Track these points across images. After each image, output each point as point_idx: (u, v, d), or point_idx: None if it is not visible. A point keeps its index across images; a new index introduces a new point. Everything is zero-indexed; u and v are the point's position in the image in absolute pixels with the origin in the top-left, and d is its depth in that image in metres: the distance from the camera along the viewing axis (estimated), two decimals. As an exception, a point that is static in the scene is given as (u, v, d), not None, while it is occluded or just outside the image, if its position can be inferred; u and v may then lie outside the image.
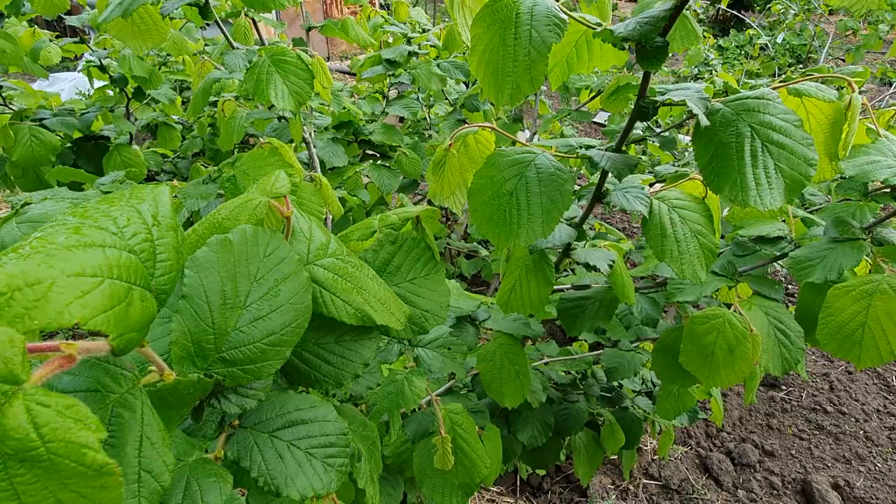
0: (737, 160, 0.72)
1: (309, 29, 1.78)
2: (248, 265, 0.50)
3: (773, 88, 0.77)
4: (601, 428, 1.72)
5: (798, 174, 0.73)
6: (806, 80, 0.87)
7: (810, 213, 1.25)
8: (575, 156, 0.83)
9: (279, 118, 1.48)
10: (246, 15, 1.41)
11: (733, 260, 1.09)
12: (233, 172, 1.08)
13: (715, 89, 1.76)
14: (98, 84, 2.58)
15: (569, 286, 1.24)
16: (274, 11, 1.33)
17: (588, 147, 0.85)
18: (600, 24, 0.70)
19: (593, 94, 1.88)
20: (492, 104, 2.26)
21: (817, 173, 0.77)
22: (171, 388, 0.42)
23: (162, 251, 0.38)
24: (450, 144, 0.85)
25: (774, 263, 1.13)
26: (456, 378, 1.33)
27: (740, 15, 7.02)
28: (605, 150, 0.85)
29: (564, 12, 0.65)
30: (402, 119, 2.97)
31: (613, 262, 1.04)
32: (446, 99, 2.55)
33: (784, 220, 1.16)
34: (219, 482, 0.48)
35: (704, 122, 0.71)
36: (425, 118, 2.72)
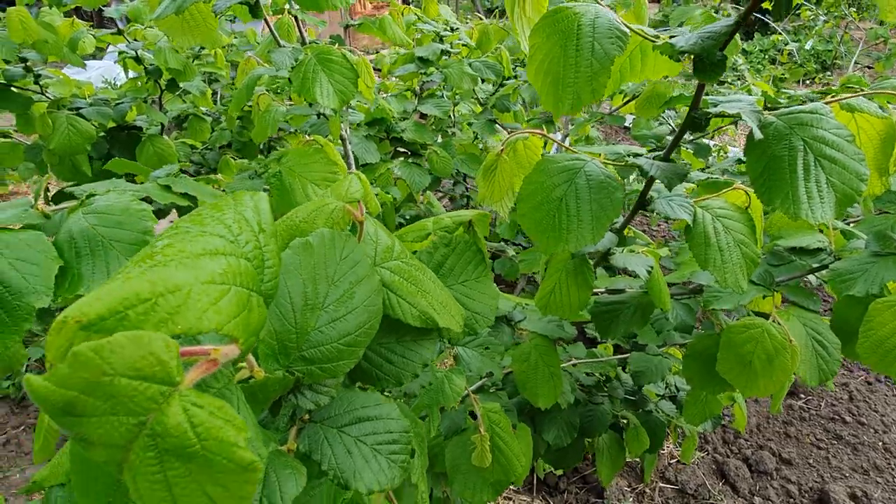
0: (789, 173, 0.73)
1: (347, 27, 1.80)
2: (327, 268, 0.52)
3: (826, 103, 0.78)
4: (624, 430, 1.74)
5: (849, 189, 0.74)
6: (853, 95, 0.87)
7: (847, 224, 1.25)
8: (624, 164, 0.84)
9: (318, 115, 1.50)
10: (289, 13, 1.43)
11: (771, 270, 1.09)
12: (279, 168, 1.10)
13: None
14: (132, 74, 2.63)
15: (603, 290, 1.25)
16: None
17: (636, 155, 0.86)
18: (658, 37, 0.71)
19: (627, 98, 1.89)
20: (521, 103, 2.27)
21: (867, 188, 0.78)
22: (261, 384, 0.44)
23: (268, 258, 0.40)
24: (501, 150, 0.86)
25: (809, 275, 1.14)
26: (489, 377, 1.35)
27: (764, 18, 6.95)
28: (653, 158, 0.86)
29: (626, 25, 0.66)
30: (423, 116, 2.99)
31: (652, 267, 1.05)
32: (474, 98, 2.56)
33: (822, 231, 1.16)
34: (294, 474, 0.50)
35: (758, 135, 0.72)
36: (449, 116, 2.74)
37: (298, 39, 1.44)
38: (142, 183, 0.95)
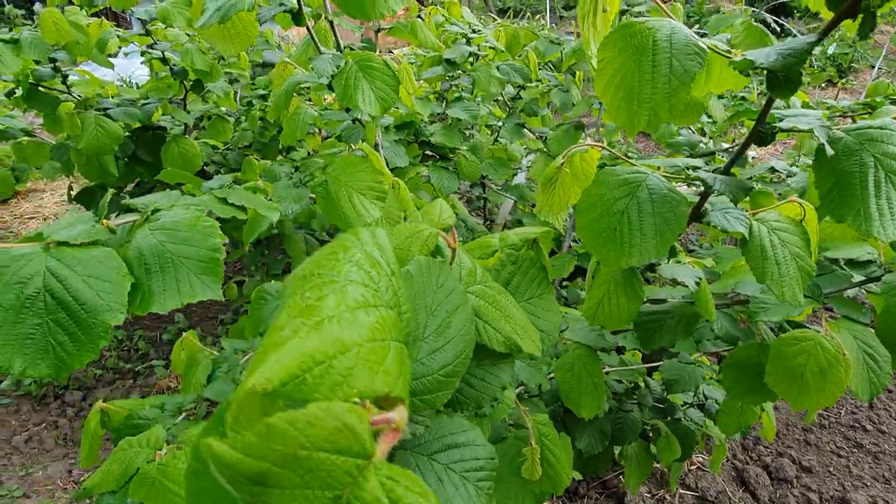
0: (860, 190, 0.72)
1: (378, 30, 1.80)
2: (425, 297, 0.51)
3: (894, 118, 0.77)
4: (654, 439, 1.73)
5: (919, 206, 0.73)
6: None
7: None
8: (685, 177, 0.84)
9: (354, 120, 1.50)
10: (326, 19, 1.43)
11: (818, 282, 1.09)
12: (324, 178, 1.10)
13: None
14: (150, 74, 2.63)
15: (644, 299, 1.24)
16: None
17: (695, 168, 0.86)
18: (730, 52, 0.70)
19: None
20: (548, 107, 2.26)
21: (935, 205, 0.77)
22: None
23: (403, 302, 0.39)
24: (562, 162, 0.86)
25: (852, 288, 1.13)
26: (525, 386, 1.34)
27: (783, 23, 6.91)
28: (713, 171, 0.85)
29: (702, 41, 0.66)
30: (440, 117, 2.99)
31: (700, 278, 1.05)
32: (496, 101, 2.55)
33: (867, 242, 1.15)
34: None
35: (830, 151, 0.71)
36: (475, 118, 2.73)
37: (334, 45, 1.44)
38: (189, 193, 0.95)
